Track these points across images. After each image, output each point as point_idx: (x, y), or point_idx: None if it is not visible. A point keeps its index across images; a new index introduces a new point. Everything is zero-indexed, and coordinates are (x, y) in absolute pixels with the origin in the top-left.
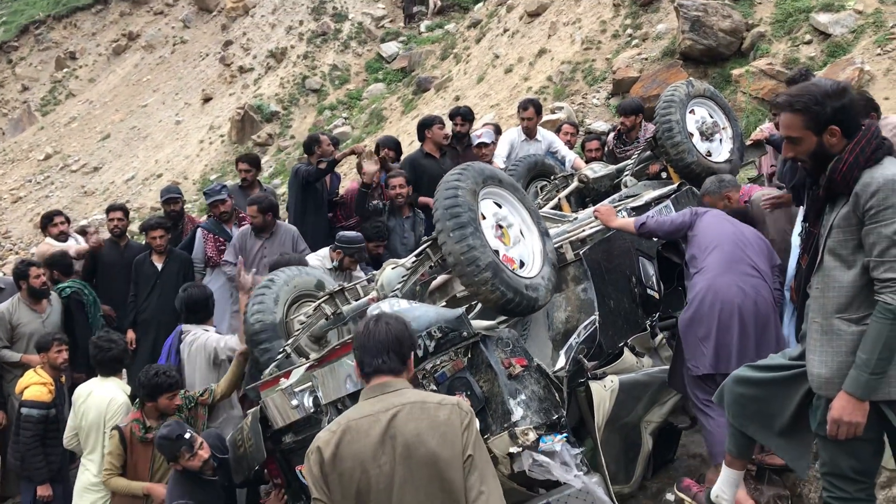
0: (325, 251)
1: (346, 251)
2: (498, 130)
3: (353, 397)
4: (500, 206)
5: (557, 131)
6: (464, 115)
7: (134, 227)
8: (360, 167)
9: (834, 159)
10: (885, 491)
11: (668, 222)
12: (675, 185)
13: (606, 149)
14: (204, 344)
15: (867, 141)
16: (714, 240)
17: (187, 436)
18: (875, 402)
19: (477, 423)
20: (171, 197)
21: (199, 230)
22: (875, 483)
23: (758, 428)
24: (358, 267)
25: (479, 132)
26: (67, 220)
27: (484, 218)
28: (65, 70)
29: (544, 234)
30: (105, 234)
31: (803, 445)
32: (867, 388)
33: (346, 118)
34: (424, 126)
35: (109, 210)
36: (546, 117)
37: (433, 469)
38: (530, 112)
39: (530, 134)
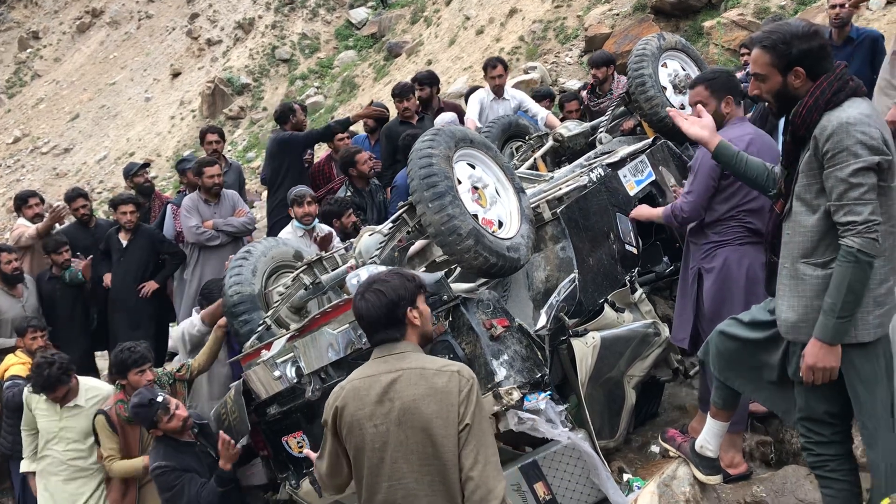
0: (292, 224)
1: (290, 205)
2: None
3: (336, 366)
4: (473, 168)
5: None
6: (421, 80)
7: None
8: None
9: (797, 102)
10: None
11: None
12: (649, 140)
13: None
14: (178, 331)
15: (829, 84)
16: None
17: (160, 399)
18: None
19: (478, 391)
20: (141, 165)
21: (168, 207)
22: (851, 426)
23: (744, 382)
24: (334, 235)
25: (437, 123)
26: (42, 201)
27: (460, 182)
28: (28, 50)
29: (519, 191)
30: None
31: (790, 396)
32: (836, 332)
33: (318, 87)
34: (393, 96)
35: (70, 200)
36: (519, 77)
37: (427, 435)
38: (499, 69)
39: (499, 92)
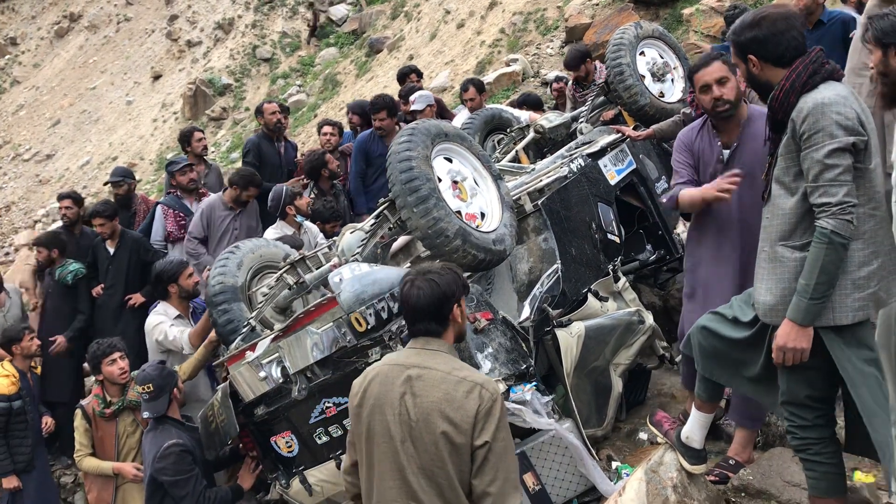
0: (278, 223)
1: (289, 201)
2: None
3: (321, 364)
4: (450, 161)
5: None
6: (417, 72)
7: None
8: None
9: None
10: None
11: None
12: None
13: (568, 93)
14: (151, 328)
15: (804, 67)
16: None
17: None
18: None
19: (502, 406)
20: (115, 180)
21: (158, 207)
22: (834, 408)
23: (729, 376)
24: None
25: (413, 98)
26: None
27: (440, 180)
28: (7, 57)
29: (497, 178)
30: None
31: (775, 388)
32: (808, 313)
33: (300, 86)
34: (400, 97)
35: (59, 198)
36: (501, 70)
37: (438, 440)
38: (471, 92)
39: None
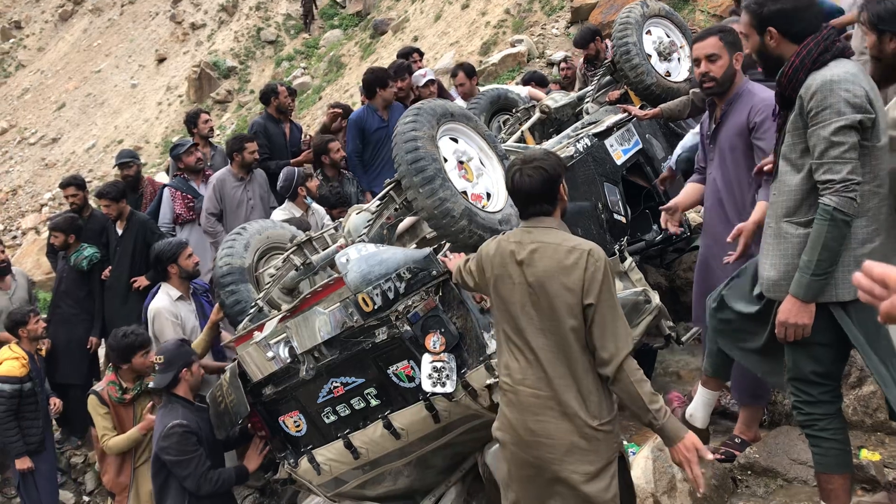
0: (286, 204)
1: (300, 182)
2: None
3: (329, 344)
4: (456, 141)
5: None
6: (419, 52)
7: None
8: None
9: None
10: (854, 391)
11: None
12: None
13: (579, 72)
14: (155, 315)
15: (815, 44)
16: None
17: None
18: (827, 306)
19: (606, 272)
20: (123, 161)
21: (166, 189)
22: (840, 385)
23: (735, 347)
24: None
25: (423, 71)
26: None
27: (446, 161)
28: (11, 41)
29: (503, 159)
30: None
31: (779, 361)
32: (809, 289)
33: (304, 68)
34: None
35: (62, 186)
36: (506, 51)
37: (553, 302)
38: (460, 77)
39: (467, 99)
